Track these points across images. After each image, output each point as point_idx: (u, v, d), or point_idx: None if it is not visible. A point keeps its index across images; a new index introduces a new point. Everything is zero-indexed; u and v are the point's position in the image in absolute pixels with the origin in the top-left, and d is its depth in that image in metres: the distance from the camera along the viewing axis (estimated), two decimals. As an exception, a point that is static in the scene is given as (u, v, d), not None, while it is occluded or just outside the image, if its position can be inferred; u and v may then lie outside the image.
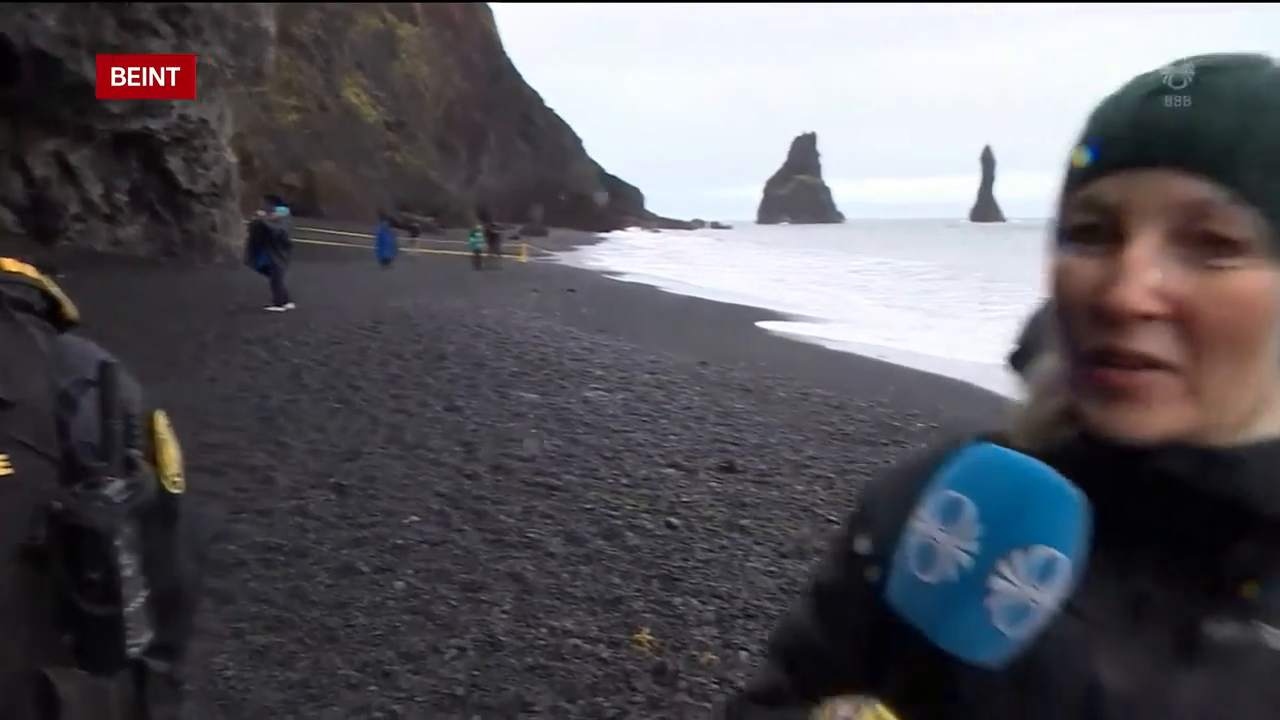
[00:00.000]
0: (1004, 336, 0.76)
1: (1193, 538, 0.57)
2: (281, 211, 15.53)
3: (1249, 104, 0.55)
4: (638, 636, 3.71)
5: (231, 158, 24.44)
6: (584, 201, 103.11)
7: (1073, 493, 0.57)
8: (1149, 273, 0.55)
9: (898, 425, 8.16)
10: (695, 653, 3.62)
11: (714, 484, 6.00)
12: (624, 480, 6.01)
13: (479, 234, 31.59)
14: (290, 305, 14.60)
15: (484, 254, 30.53)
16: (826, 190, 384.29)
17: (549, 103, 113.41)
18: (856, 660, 0.70)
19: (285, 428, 7.03)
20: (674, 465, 6.42)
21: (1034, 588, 0.56)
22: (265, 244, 14.76)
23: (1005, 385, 0.75)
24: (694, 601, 4.10)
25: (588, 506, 5.41)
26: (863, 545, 0.71)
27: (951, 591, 0.59)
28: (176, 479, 0.93)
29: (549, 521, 5.13)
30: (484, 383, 9.19)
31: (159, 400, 0.95)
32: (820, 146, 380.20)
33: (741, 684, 3.36)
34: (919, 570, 0.61)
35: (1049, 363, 0.65)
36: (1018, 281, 24.49)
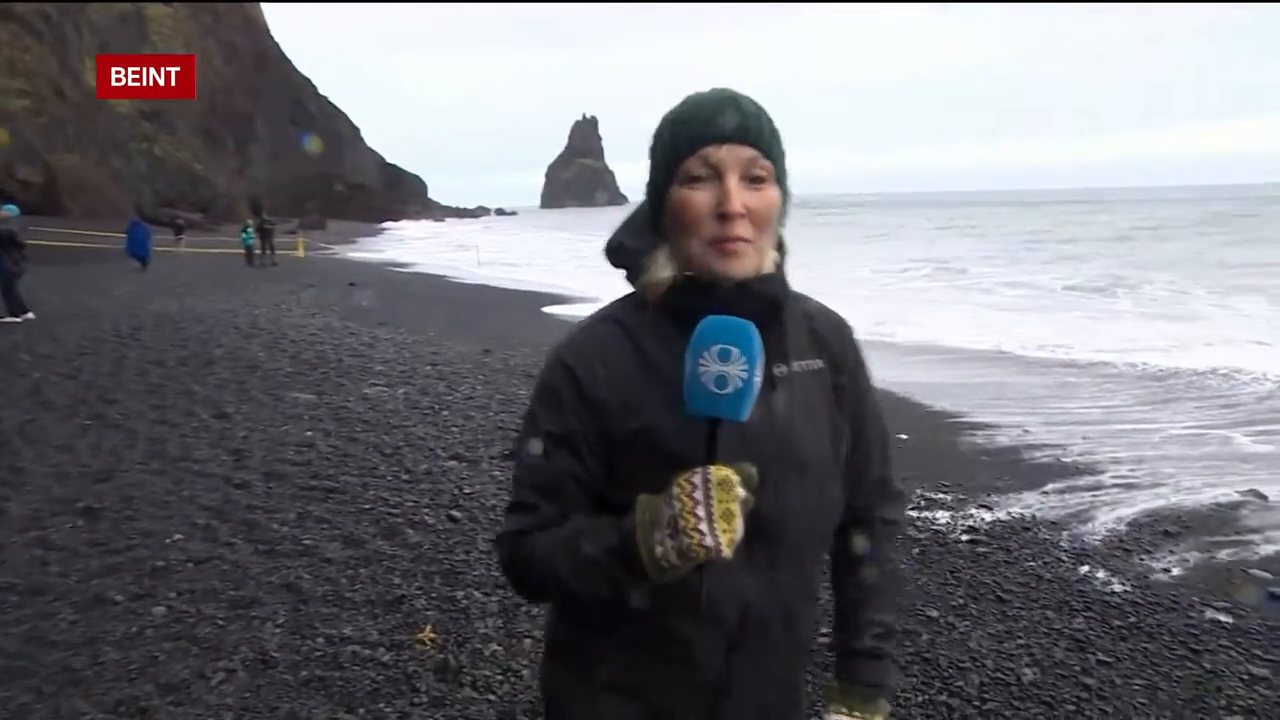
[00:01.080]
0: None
1: (766, 324, 1.12)
2: (10, 210, 13.80)
3: (760, 111, 1.16)
4: (420, 636, 3.61)
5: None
6: (363, 192, 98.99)
7: (752, 324, 1.04)
8: (739, 193, 1.12)
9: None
10: (479, 645, 3.56)
11: (496, 472, 5.93)
12: (404, 476, 5.83)
13: (251, 229, 29.66)
14: (29, 315, 13.10)
15: (256, 251, 28.71)
16: (610, 173, 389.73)
17: (322, 90, 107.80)
18: (600, 475, 1.20)
19: (22, 451, 6.29)
20: (456, 457, 6.31)
21: (751, 372, 1.02)
22: (-6, 247, 13.12)
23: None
24: (477, 594, 4.04)
25: (366, 507, 5.21)
26: (600, 392, 1.17)
27: (740, 393, 1.02)
28: None
29: (325, 526, 4.89)
30: (256, 386, 8.64)
31: None
32: (602, 130, 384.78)
33: (524, 671, 3.37)
34: (717, 390, 1.02)
35: (649, 252, 1.20)
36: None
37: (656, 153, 1.18)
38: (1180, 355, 11.55)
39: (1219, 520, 5.28)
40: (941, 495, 5.65)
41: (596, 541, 1.11)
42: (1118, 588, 4.29)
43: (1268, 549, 4.85)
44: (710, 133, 1.12)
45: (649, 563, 1.04)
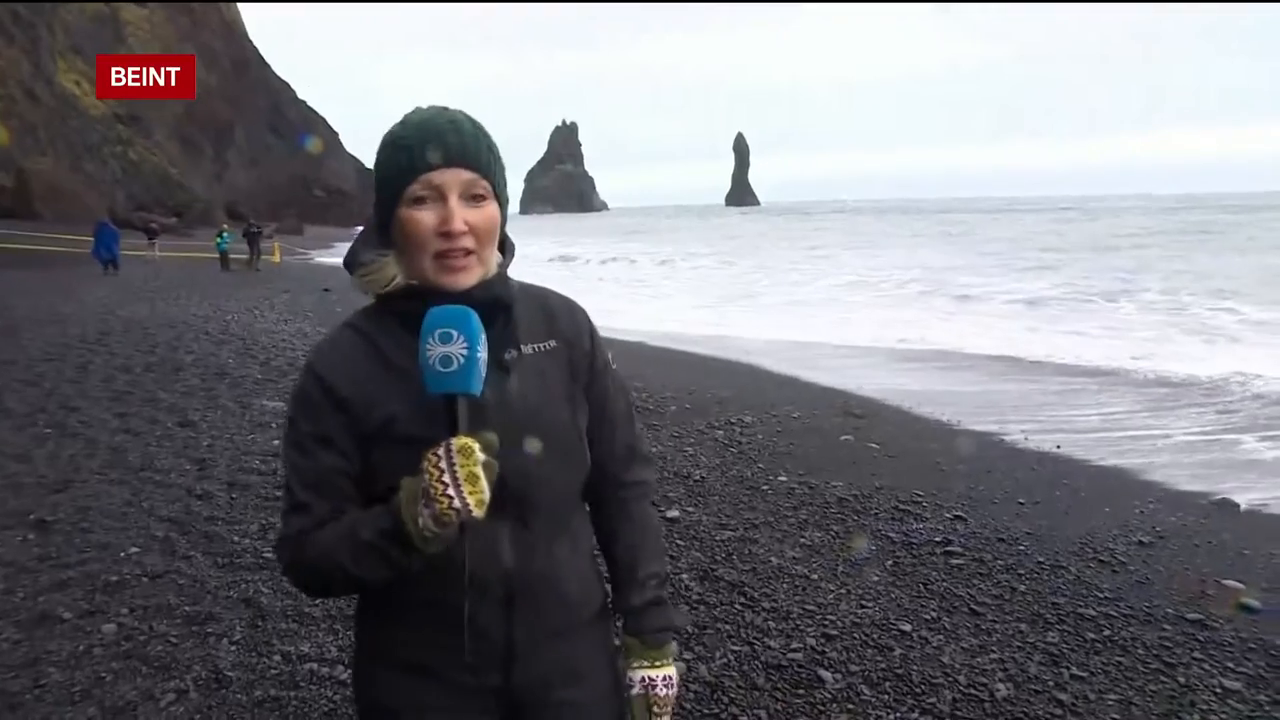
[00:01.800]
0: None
1: (494, 321, 1.29)
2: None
3: (478, 132, 1.29)
4: (380, 652, 3.50)
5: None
6: (342, 197, 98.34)
7: (469, 308, 1.20)
8: (460, 212, 1.25)
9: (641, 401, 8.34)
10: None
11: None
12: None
13: (226, 234, 29.35)
14: (-8, 321, 12.86)
15: (232, 255, 28.43)
16: (589, 179, 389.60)
17: (301, 94, 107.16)
18: (360, 469, 1.30)
19: (-24, 462, 6.13)
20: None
21: (472, 349, 1.17)
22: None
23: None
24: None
25: (332, 518, 5.09)
26: (345, 391, 1.29)
27: (465, 369, 1.16)
28: None
29: (289, 539, 4.77)
30: (224, 393, 8.49)
31: None
32: (581, 136, 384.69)
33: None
34: (443, 369, 1.16)
35: (377, 261, 1.32)
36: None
37: (381, 173, 1.29)
38: (1180, 363, 11.57)
39: (1193, 530, 5.26)
40: (914, 505, 5.59)
41: (370, 526, 1.21)
42: (1092, 600, 4.24)
43: (1240, 559, 4.82)
44: (431, 158, 1.24)
45: (415, 534, 1.15)
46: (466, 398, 1.18)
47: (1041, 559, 4.73)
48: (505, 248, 1.40)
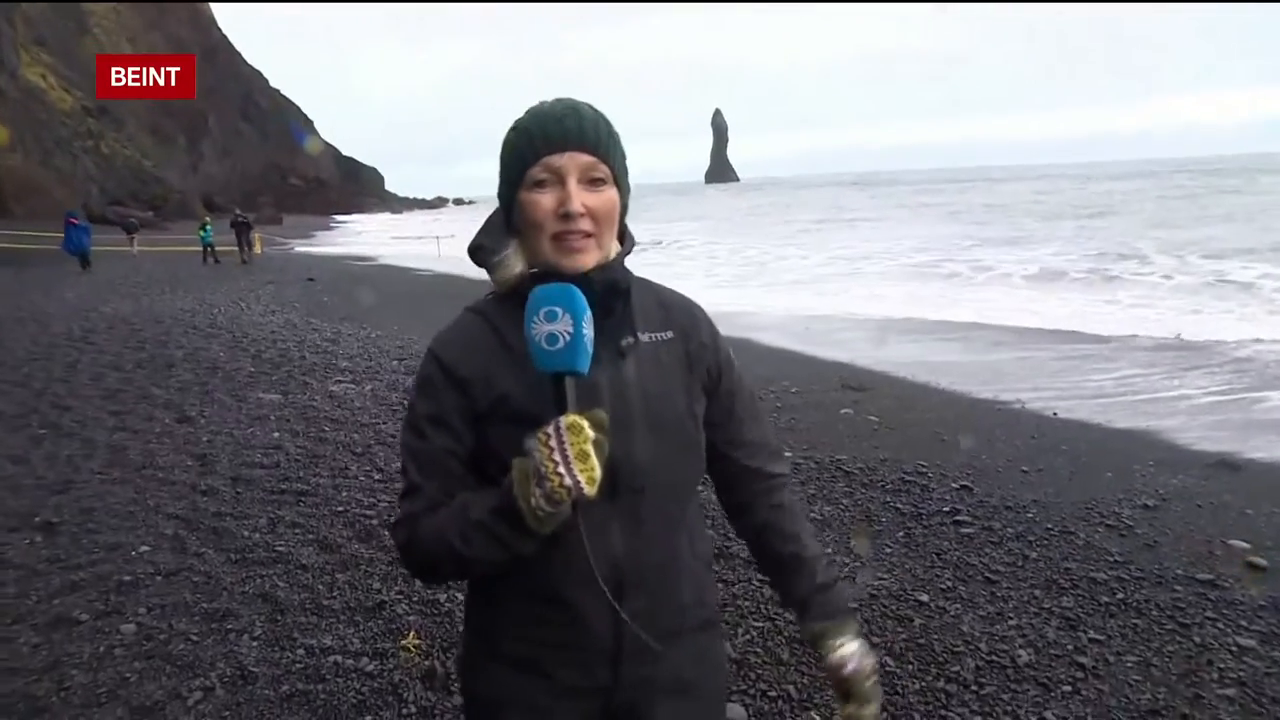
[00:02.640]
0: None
1: (612, 308, 1.32)
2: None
3: (599, 118, 1.30)
4: (404, 642, 3.50)
5: None
6: (320, 185, 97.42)
7: (573, 286, 1.17)
8: (579, 194, 1.26)
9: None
10: (467, 649, 3.47)
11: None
12: (376, 476, 5.70)
13: (210, 227, 28.93)
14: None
15: (234, 249, 28.12)
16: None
17: (274, 83, 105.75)
18: (474, 448, 1.31)
19: (-29, 465, 6.05)
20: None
21: (578, 326, 1.15)
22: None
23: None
24: (460, 596, 3.91)
25: (340, 509, 5.07)
26: (463, 371, 1.31)
27: (571, 346, 1.14)
28: None
29: (299, 530, 4.75)
30: (219, 388, 8.42)
31: None
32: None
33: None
34: (549, 346, 1.14)
35: (507, 250, 1.33)
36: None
37: (505, 161, 1.32)
38: (1198, 325, 11.68)
39: (1196, 491, 5.32)
40: (919, 476, 5.63)
41: (482, 506, 1.21)
42: (1103, 564, 4.29)
43: (1243, 518, 4.89)
44: (552, 142, 1.26)
45: (527, 513, 1.14)
46: (574, 376, 1.17)
47: (1050, 525, 4.78)
48: (625, 238, 1.39)
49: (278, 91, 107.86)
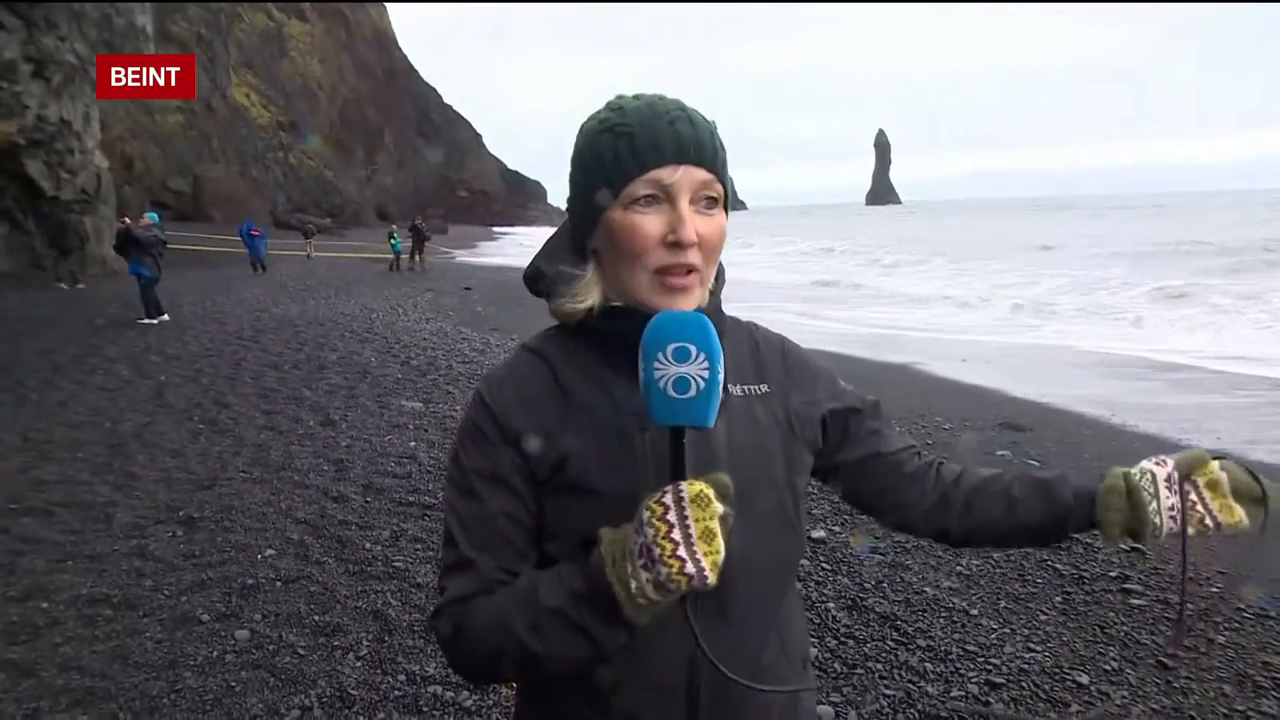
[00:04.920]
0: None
1: None
2: (152, 218, 14.58)
3: (713, 127, 1.06)
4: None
5: (102, 161, 22.95)
6: (485, 197, 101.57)
7: (706, 317, 0.94)
8: (693, 220, 1.02)
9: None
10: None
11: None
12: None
13: (398, 236, 30.19)
14: (164, 317, 13.72)
15: (404, 255, 29.46)
16: (728, 178, 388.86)
17: (447, 99, 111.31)
18: (537, 513, 1.05)
19: (137, 455, 6.41)
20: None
21: (713, 370, 0.91)
22: (135, 252, 13.78)
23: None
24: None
25: (462, 527, 5.01)
26: (518, 423, 1.05)
27: (705, 394, 0.90)
28: None
29: (419, 546, 4.71)
30: (365, 393, 8.67)
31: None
32: (721, 133, 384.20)
33: None
34: (678, 394, 0.90)
35: (584, 275, 1.08)
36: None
37: (593, 168, 1.05)
38: None
39: None
40: (1081, 534, 5.04)
41: (558, 589, 0.95)
42: (1309, 658, 3.65)
43: None
44: (664, 152, 1.01)
45: (625, 600, 0.89)
46: (697, 430, 0.93)
47: (1243, 605, 4.14)
48: (719, 273, 1.14)
49: (450, 107, 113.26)
